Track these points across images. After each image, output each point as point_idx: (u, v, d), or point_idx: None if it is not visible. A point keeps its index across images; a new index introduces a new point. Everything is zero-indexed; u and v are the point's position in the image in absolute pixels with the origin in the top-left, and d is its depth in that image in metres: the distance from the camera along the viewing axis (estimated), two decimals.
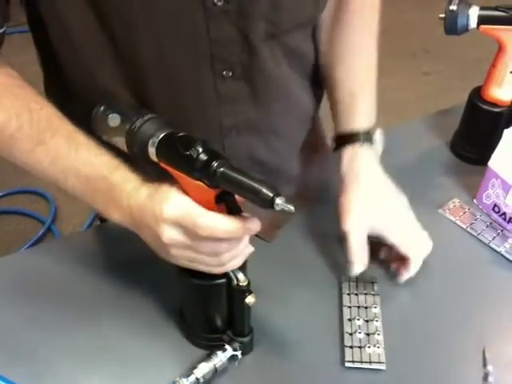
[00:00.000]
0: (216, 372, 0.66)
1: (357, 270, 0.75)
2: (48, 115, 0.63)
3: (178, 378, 0.65)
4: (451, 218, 0.89)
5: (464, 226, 0.88)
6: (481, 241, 0.86)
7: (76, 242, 0.87)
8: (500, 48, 0.92)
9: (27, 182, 2.09)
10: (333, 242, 0.82)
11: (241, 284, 0.63)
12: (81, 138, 0.63)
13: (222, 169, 0.53)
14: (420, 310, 0.76)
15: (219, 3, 0.64)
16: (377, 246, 0.79)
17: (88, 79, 0.70)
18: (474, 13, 0.90)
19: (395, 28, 2.89)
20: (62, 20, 0.65)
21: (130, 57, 0.67)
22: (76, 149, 0.62)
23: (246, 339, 0.68)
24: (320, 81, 0.88)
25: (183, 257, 0.60)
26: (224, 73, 0.70)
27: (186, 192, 0.57)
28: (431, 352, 0.71)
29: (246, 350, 0.69)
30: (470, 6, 0.90)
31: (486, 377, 0.68)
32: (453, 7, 0.90)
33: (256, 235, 0.83)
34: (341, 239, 0.76)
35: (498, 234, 0.87)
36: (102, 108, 0.64)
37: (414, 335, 0.73)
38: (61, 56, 0.70)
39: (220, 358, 0.67)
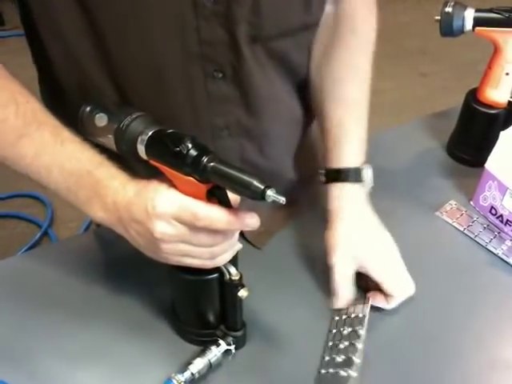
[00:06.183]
0: (211, 367, 0.67)
1: (339, 305, 0.75)
2: (33, 109, 0.63)
3: (173, 375, 0.65)
4: (448, 220, 0.89)
5: (461, 229, 0.88)
6: (478, 243, 0.86)
7: (73, 245, 0.87)
8: (495, 50, 0.92)
9: (23, 186, 2.09)
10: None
11: (233, 278, 0.63)
12: (66, 133, 0.62)
13: (212, 163, 0.54)
14: (417, 311, 0.76)
15: (208, 4, 0.64)
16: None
17: (79, 77, 0.70)
18: (469, 15, 0.90)
19: (392, 29, 2.90)
20: (52, 17, 0.65)
21: (118, 55, 0.67)
22: (62, 142, 0.61)
23: (239, 333, 0.69)
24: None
25: (174, 251, 0.59)
26: (214, 73, 0.70)
27: (176, 188, 0.57)
28: (428, 351, 0.71)
29: (240, 344, 0.70)
30: (465, 8, 0.90)
31: None
32: (448, 9, 0.90)
33: (247, 240, 0.83)
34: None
35: (495, 236, 0.87)
36: (88, 108, 0.63)
37: (410, 336, 0.73)
38: (52, 54, 0.70)
39: (214, 352, 0.67)
